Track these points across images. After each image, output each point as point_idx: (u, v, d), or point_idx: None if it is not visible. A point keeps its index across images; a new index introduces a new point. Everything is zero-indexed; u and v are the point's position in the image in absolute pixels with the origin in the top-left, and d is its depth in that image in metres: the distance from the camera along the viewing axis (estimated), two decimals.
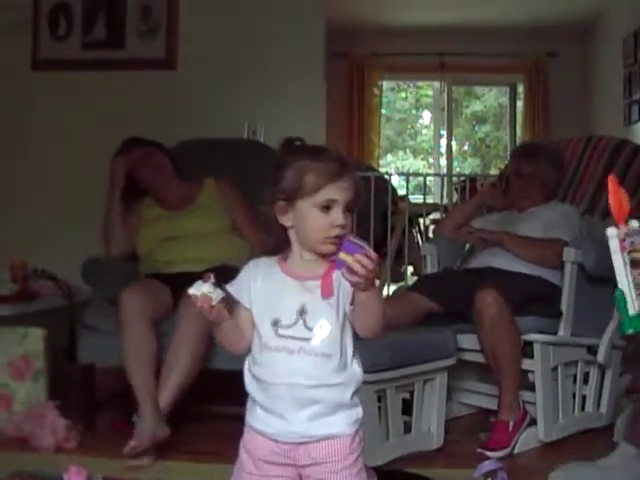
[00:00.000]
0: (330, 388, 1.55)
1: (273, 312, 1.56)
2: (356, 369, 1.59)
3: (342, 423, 1.57)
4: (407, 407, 2.89)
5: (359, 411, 1.60)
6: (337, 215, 1.53)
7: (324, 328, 1.53)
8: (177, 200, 3.57)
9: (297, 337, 1.54)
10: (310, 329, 1.54)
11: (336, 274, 1.55)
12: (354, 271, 1.45)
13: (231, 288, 1.64)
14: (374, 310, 1.54)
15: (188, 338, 2.88)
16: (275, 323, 1.56)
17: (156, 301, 3.08)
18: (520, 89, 8.53)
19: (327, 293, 1.54)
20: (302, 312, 1.54)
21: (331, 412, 1.56)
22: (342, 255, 1.45)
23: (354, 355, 1.59)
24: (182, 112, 4.54)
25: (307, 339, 1.53)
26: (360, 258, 1.45)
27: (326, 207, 1.53)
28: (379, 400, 2.76)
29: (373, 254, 1.45)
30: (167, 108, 4.56)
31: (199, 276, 3.20)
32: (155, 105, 4.59)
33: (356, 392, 1.60)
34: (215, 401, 3.23)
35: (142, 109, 4.59)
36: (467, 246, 3.57)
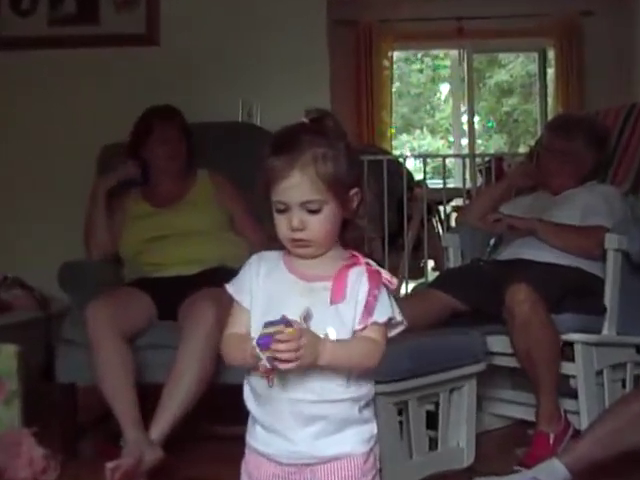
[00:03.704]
0: (335, 404, 1.54)
1: (274, 316, 1.51)
2: (366, 383, 1.59)
3: (353, 440, 1.56)
4: (432, 420, 2.89)
5: (373, 427, 1.60)
6: (290, 217, 1.54)
7: (331, 337, 1.51)
8: (166, 195, 3.58)
9: None
10: None
11: (351, 276, 1.55)
12: (283, 360, 1.44)
13: (230, 288, 1.63)
14: (346, 366, 1.53)
15: (194, 355, 2.89)
16: None
17: (130, 313, 3.10)
18: (551, 55, 8.50)
19: (337, 298, 1.53)
20: (306, 317, 1.51)
21: (339, 429, 1.55)
22: (262, 353, 1.45)
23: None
24: (166, 93, 4.51)
25: None
26: (275, 347, 1.43)
27: (280, 210, 1.55)
28: (400, 413, 2.76)
29: (285, 335, 1.43)
30: (149, 89, 4.55)
31: (192, 280, 3.22)
32: (135, 86, 4.59)
33: (366, 406, 1.59)
34: (216, 419, 3.24)
35: (121, 91, 4.59)
36: (492, 239, 3.56)
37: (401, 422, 2.77)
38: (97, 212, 3.52)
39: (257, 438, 1.59)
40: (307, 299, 1.54)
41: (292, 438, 1.54)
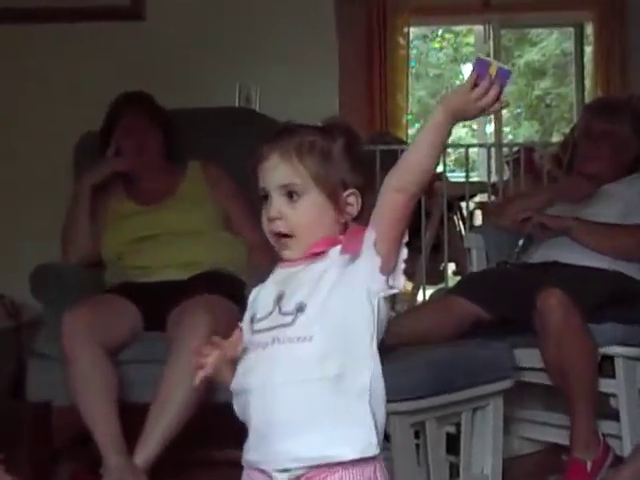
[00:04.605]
0: (316, 385, 1.54)
1: (252, 309, 1.64)
2: (363, 357, 1.56)
3: (343, 442, 1.54)
4: (453, 444, 2.90)
5: (371, 434, 1.56)
6: (269, 205, 1.63)
7: (302, 307, 1.56)
8: (153, 191, 3.59)
9: (271, 327, 1.58)
10: (285, 314, 1.58)
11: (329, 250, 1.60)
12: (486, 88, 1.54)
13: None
14: (429, 144, 1.58)
15: (184, 369, 2.89)
16: (252, 320, 1.63)
17: (112, 323, 3.11)
18: (589, 30, 8.48)
19: (316, 248, 1.60)
20: (279, 298, 1.59)
21: (326, 424, 1.54)
22: (494, 63, 1.57)
23: (368, 344, 1.57)
24: (153, 74, 4.54)
25: (282, 325, 1.57)
26: (499, 90, 1.56)
27: (264, 197, 1.64)
28: (417, 436, 2.77)
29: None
30: (134, 69, 4.56)
31: (183, 285, 3.24)
32: (119, 66, 4.60)
33: (364, 403, 1.55)
34: (210, 443, 3.24)
35: (102, 71, 4.59)
36: (521, 239, 3.57)
37: (418, 445, 2.78)
38: (80, 212, 3.52)
39: (246, 447, 1.62)
40: (283, 283, 1.62)
41: (269, 437, 1.56)
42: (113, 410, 2.93)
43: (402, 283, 1.60)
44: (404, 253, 1.60)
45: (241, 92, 4.62)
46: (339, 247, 1.59)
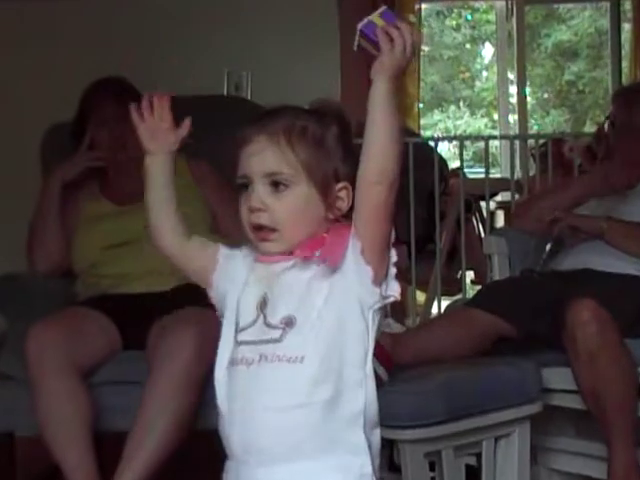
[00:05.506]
0: (304, 410, 1.55)
1: (236, 314, 1.65)
2: (357, 379, 1.58)
3: (333, 471, 1.56)
4: (473, 476, 2.90)
5: (365, 462, 1.57)
6: (250, 194, 1.64)
7: (291, 321, 1.57)
8: (131, 190, 3.58)
9: (257, 341, 1.58)
10: (271, 327, 1.58)
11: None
12: (389, 36, 1.55)
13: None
14: (388, 117, 1.56)
15: (168, 395, 2.89)
16: (236, 328, 1.63)
17: (84, 341, 3.10)
18: (627, 5, 8.50)
19: (306, 251, 1.61)
20: (262, 304, 1.60)
21: (314, 452, 1.56)
22: (374, 17, 1.60)
23: (362, 364, 1.59)
24: (130, 58, 4.55)
25: (269, 341, 1.57)
26: (401, 25, 1.57)
27: (244, 186, 1.66)
28: (432, 467, 2.77)
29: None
30: (108, 51, 4.57)
31: (166, 297, 3.22)
32: (91, 47, 4.60)
33: (358, 429, 1.57)
34: (200, 475, 3.25)
35: (74, 54, 4.60)
36: (549, 244, 3.57)
37: (433, 478, 2.78)
38: (49, 214, 3.51)
39: (225, 469, 1.64)
40: (265, 284, 1.63)
41: (252, 463, 1.57)
42: (85, 440, 2.92)
43: (397, 290, 1.60)
44: (393, 255, 1.60)
45: (230, 79, 4.62)
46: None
